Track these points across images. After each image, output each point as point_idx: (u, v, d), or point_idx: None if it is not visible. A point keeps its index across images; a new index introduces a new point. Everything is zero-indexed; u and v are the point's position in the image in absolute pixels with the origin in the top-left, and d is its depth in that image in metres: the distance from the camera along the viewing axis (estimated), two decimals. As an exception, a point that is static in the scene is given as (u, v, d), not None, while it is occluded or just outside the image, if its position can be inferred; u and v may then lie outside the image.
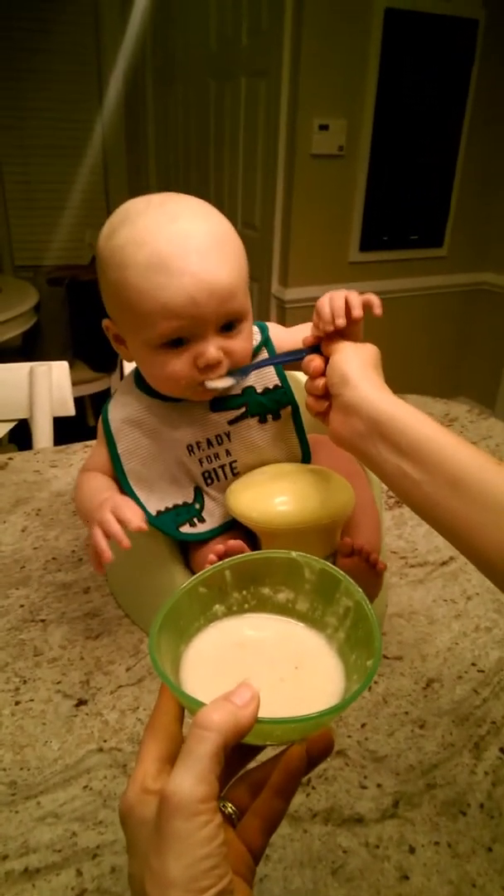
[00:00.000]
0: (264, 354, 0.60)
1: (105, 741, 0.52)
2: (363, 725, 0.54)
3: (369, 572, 0.55)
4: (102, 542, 0.52)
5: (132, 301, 0.51)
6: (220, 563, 0.38)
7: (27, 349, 2.66)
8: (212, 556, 0.53)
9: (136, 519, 0.52)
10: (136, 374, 0.60)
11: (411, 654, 0.61)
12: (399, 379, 1.52)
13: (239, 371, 0.56)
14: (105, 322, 0.57)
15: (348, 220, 2.39)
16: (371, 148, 2.31)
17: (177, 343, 0.52)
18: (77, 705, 0.55)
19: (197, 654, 0.35)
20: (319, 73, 2.14)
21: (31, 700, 0.55)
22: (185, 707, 0.31)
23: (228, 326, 0.53)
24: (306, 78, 2.13)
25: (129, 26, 3.06)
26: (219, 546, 0.53)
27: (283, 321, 2.41)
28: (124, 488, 0.59)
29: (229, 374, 0.55)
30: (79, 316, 2.68)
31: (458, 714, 0.56)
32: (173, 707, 0.32)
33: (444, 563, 0.75)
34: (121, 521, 0.52)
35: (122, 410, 0.59)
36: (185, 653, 0.35)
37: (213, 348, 0.52)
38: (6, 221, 3.22)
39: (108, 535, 0.52)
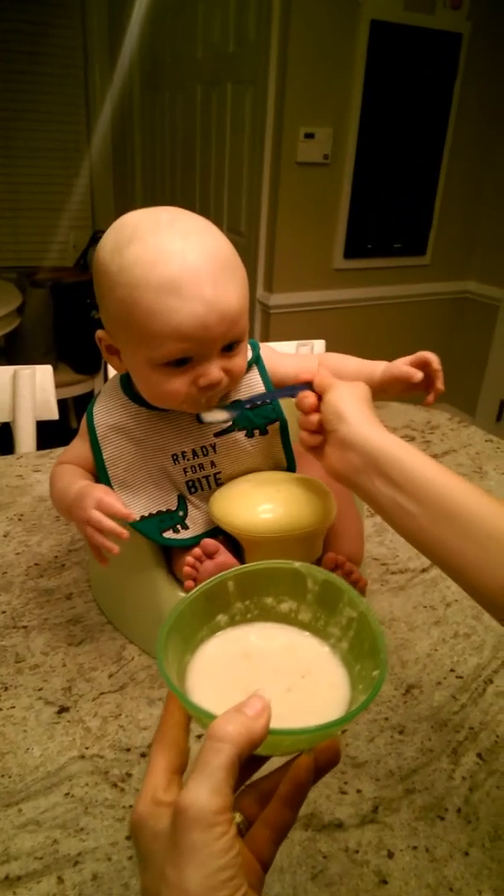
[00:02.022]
0: (255, 371, 0.61)
1: (87, 748, 0.52)
2: (343, 731, 0.55)
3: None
4: (104, 540, 0.53)
5: (141, 321, 0.51)
6: (223, 573, 0.38)
7: (10, 351, 2.64)
8: (189, 559, 0.53)
9: (123, 507, 0.53)
10: (123, 380, 0.60)
11: (391, 661, 0.62)
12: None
13: (235, 405, 0.57)
14: (99, 333, 0.57)
15: (333, 228, 2.41)
16: (356, 157, 2.33)
17: (180, 363, 0.53)
18: (59, 712, 0.55)
19: (203, 664, 0.35)
20: (306, 81, 2.16)
21: (13, 707, 0.55)
22: (195, 718, 0.31)
23: (229, 347, 0.54)
24: (293, 86, 2.15)
25: (116, 30, 3.06)
26: (196, 549, 0.54)
27: (268, 326, 2.43)
28: None
29: (225, 407, 0.56)
30: (62, 318, 2.67)
31: (436, 720, 0.56)
32: (181, 718, 0.32)
33: (424, 570, 0.76)
34: (109, 515, 0.53)
35: (108, 416, 0.59)
36: (190, 663, 0.35)
37: (216, 369, 0.53)
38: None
39: (102, 531, 0.53)
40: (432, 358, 0.56)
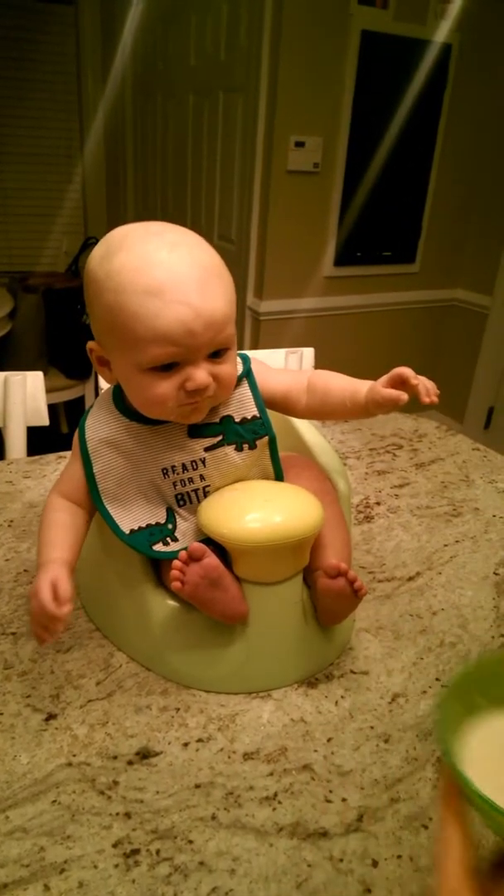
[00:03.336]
0: (245, 386, 0.61)
1: (74, 755, 0.52)
2: (329, 740, 0.55)
3: (350, 596, 0.57)
4: (41, 632, 0.53)
5: (127, 325, 0.52)
6: None
7: (2, 356, 2.64)
8: (176, 562, 0.54)
9: (52, 605, 0.52)
10: (115, 393, 0.60)
11: (377, 669, 0.63)
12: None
13: (224, 421, 0.60)
14: (90, 344, 0.58)
15: (323, 236, 2.42)
16: (346, 165, 2.35)
17: (167, 367, 0.53)
18: (46, 719, 0.55)
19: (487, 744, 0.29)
20: (296, 90, 2.18)
21: (1, 714, 0.55)
22: (484, 815, 0.26)
23: (217, 353, 0.55)
24: (284, 95, 2.16)
25: (109, 38, 3.07)
26: (182, 553, 0.54)
27: (258, 333, 2.44)
28: (98, 507, 0.59)
29: (214, 425, 0.59)
30: (54, 323, 2.67)
31: (421, 729, 0.57)
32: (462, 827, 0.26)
33: (410, 579, 0.77)
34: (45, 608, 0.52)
35: (99, 430, 0.60)
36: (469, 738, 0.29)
37: (202, 372, 0.53)
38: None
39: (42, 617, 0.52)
40: (408, 374, 0.55)
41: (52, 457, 1.01)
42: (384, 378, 0.57)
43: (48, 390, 1.20)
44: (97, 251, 0.54)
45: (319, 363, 1.37)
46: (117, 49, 3.03)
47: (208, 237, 0.57)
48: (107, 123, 3.28)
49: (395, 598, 0.73)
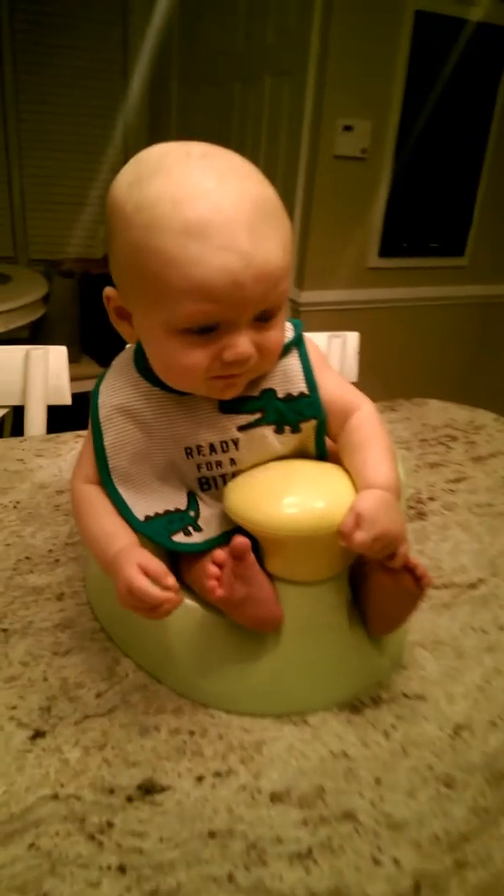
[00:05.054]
0: (294, 356, 0.50)
1: (62, 786, 0.42)
2: (377, 781, 0.44)
3: (412, 588, 0.45)
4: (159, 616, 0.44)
5: (158, 273, 0.41)
6: None
7: (35, 342, 2.59)
8: (212, 568, 0.43)
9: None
10: (136, 352, 0.51)
11: (435, 693, 0.52)
12: (415, 387, 1.43)
13: (266, 395, 0.49)
14: (107, 291, 0.48)
15: (368, 225, 2.31)
16: (395, 152, 2.24)
17: (204, 330, 0.43)
18: (33, 737, 0.46)
19: None
20: (346, 73, 2.07)
21: (-21, 728, 0.46)
22: None
23: (265, 316, 0.44)
24: (333, 77, 2.06)
25: (155, 25, 3.01)
26: (217, 553, 0.44)
27: (297, 325, 2.34)
28: (106, 488, 0.50)
29: (253, 399, 0.49)
30: (89, 310, 2.61)
31: (492, 770, 0.46)
32: None
33: (472, 586, 0.65)
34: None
35: (113, 395, 0.50)
36: None
37: (245, 341, 0.43)
38: (23, 216, 3.17)
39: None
40: (345, 530, 0.42)
41: (68, 435, 0.92)
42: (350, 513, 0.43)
43: (80, 378, 1.12)
44: (125, 174, 0.44)
45: (362, 356, 1.27)
46: (163, 36, 2.97)
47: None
48: (151, 112, 3.22)
49: (454, 609, 0.62)
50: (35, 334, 2.56)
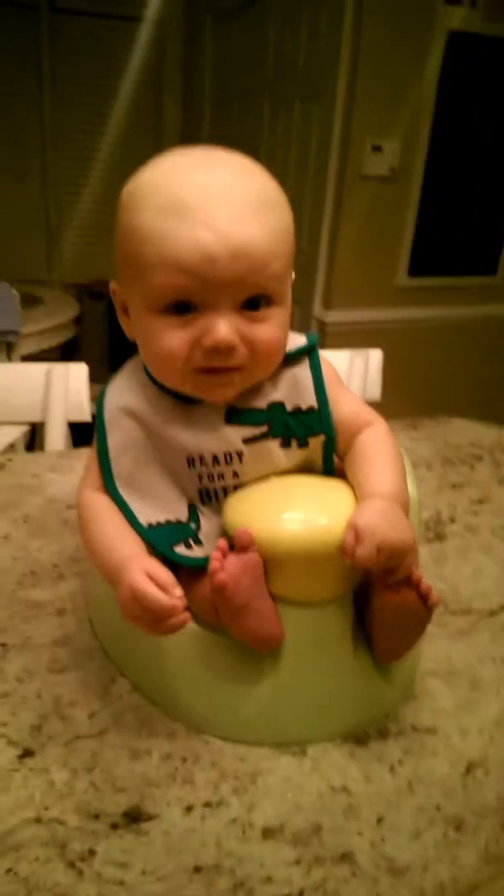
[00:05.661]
0: (305, 365, 0.49)
1: (46, 808, 0.41)
2: (380, 821, 0.41)
3: (418, 608, 0.43)
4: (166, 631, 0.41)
5: (136, 250, 0.42)
6: None
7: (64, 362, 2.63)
8: (215, 553, 0.41)
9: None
10: None
11: (448, 727, 0.49)
12: (445, 407, 1.40)
13: (273, 408, 0.48)
14: (112, 285, 0.48)
15: (397, 244, 2.30)
16: (424, 171, 2.23)
17: (182, 309, 0.42)
18: (21, 756, 0.44)
19: None
20: (375, 93, 2.08)
21: (-33, 745, 0.45)
22: None
23: (253, 304, 0.43)
24: (362, 99, 2.07)
25: (188, 53, 3.08)
26: (223, 541, 0.42)
27: (324, 344, 2.32)
28: (109, 490, 0.48)
29: (259, 412, 0.47)
30: (117, 331, 2.63)
31: (506, 813, 0.42)
32: None
33: (492, 613, 0.62)
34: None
35: (121, 396, 0.49)
36: None
37: (225, 326, 0.42)
38: (58, 239, 3.24)
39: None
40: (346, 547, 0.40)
41: (84, 451, 0.91)
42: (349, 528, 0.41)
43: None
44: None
45: (388, 376, 1.24)
46: (196, 65, 3.04)
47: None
48: (183, 138, 3.28)
49: (472, 637, 0.58)
50: (66, 355, 2.60)
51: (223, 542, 0.42)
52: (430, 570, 0.68)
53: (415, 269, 2.32)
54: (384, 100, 2.10)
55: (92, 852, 0.38)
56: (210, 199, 0.40)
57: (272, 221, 0.42)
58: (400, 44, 2.06)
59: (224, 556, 0.42)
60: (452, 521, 0.78)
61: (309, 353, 0.49)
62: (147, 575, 0.41)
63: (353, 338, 2.33)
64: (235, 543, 0.42)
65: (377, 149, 2.15)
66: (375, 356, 1.20)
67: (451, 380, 2.50)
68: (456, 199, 2.31)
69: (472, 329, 2.50)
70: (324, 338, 2.31)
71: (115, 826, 0.40)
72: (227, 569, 0.41)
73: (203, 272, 0.40)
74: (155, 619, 0.40)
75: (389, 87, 2.09)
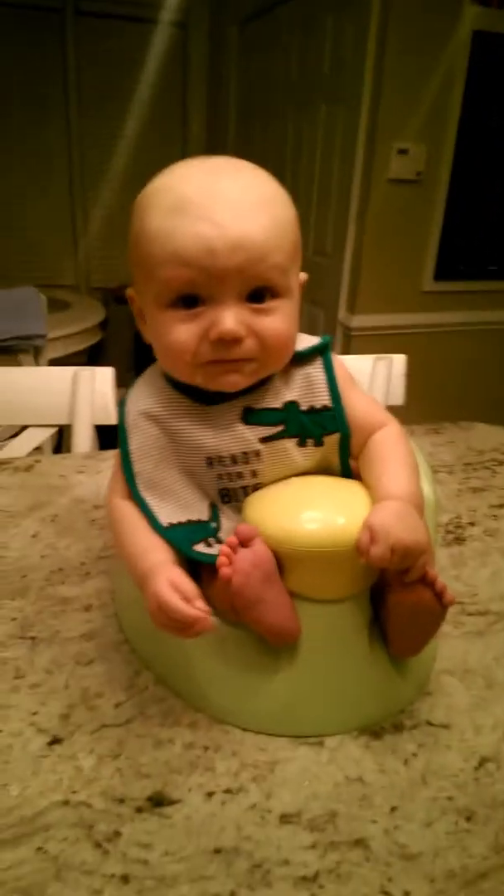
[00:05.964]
0: (318, 365, 0.51)
1: (74, 792, 0.43)
2: (393, 809, 0.43)
3: (433, 606, 0.44)
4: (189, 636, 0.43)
5: (145, 249, 0.45)
6: None
7: (91, 366, 2.68)
8: (224, 547, 0.44)
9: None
10: None
11: (462, 723, 0.50)
12: (471, 413, 1.39)
13: (288, 407, 0.49)
14: (129, 292, 0.51)
15: (423, 248, 2.29)
16: (451, 174, 2.22)
17: (189, 303, 0.45)
18: (50, 743, 0.46)
19: None
20: (401, 97, 2.08)
21: (0, 731, 0.47)
22: None
23: (258, 297, 0.45)
24: (387, 103, 2.07)
25: (213, 61, 3.12)
26: (230, 538, 0.44)
27: (349, 348, 2.32)
28: (132, 493, 0.50)
29: (274, 410, 0.49)
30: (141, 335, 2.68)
31: (518, 807, 0.43)
32: None
33: (509, 614, 0.63)
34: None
35: (140, 401, 0.51)
36: None
37: (231, 317, 0.44)
38: (86, 246, 3.30)
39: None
40: (360, 547, 0.42)
41: (110, 453, 0.94)
42: (364, 528, 0.42)
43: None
44: None
45: (413, 380, 1.25)
46: (222, 73, 3.07)
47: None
48: (208, 146, 3.31)
49: (488, 637, 0.59)
50: (92, 359, 2.64)
51: (233, 538, 0.44)
52: (449, 572, 0.69)
53: (441, 274, 2.32)
54: (410, 102, 2.10)
55: (117, 833, 0.40)
56: (212, 197, 0.43)
57: (272, 215, 0.45)
58: (425, 45, 2.05)
59: (234, 550, 0.43)
60: (472, 524, 0.78)
61: (322, 352, 0.51)
62: (172, 585, 0.43)
63: (379, 342, 2.33)
64: (238, 537, 0.44)
65: (403, 152, 2.15)
66: (399, 361, 1.21)
67: (476, 384, 2.48)
68: (483, 202, 2.30)
69: (499, 334, 2.48)
70: (349, 342, 2.32)
71: (139, 810, 0.42)
72: (236, 563, 0.43)
73: (205, 264, 0.43)
74: (180, 628, 0.43)
75: (415, 90, 2.09)
